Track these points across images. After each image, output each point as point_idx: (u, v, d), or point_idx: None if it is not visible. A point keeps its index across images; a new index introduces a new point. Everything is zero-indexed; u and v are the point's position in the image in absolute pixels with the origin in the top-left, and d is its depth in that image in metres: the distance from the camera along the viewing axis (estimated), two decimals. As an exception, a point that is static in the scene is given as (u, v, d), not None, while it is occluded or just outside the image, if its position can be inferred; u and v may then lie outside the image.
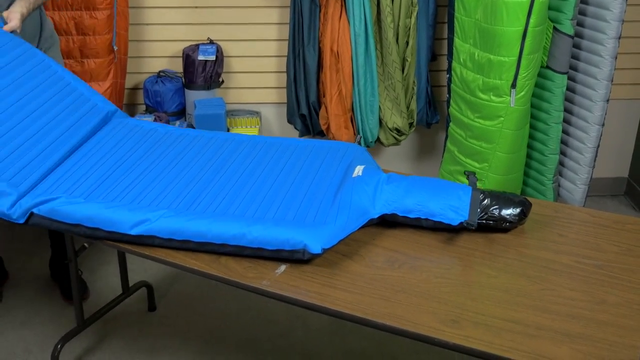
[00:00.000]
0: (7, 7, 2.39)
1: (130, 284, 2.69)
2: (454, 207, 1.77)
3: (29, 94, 2.17)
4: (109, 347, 2.55)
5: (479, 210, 1.78)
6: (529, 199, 1.87)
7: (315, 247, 1.65)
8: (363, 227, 1.81)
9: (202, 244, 1.73)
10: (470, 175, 1.92)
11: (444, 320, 1.48)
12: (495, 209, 1.79)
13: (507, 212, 1.79)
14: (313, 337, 2.62)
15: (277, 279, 1.64)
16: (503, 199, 1.81)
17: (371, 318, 1.51)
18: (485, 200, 1.80)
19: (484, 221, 1.78)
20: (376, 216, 1.82)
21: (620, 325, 1.46)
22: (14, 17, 2.32)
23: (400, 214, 1.81)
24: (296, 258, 1.67)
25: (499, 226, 1.79)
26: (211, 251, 1.73)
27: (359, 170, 1.94)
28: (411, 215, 1.80)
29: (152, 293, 2.75)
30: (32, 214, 1.83)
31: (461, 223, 1.76)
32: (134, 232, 1.75)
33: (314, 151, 2.15)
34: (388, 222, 1.86)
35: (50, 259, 2.92)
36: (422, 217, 1.79)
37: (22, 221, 1.84)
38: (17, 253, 3.12)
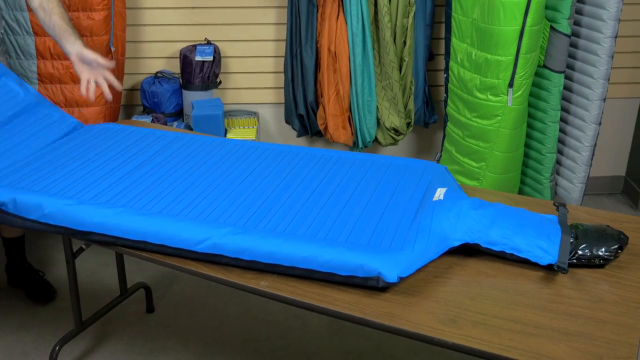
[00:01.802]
0: None
1: (128, 286, 2.69)
2: (543, 248, 1.66)
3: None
4: (107, 349, 2.54)
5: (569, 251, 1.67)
6: (624, 233, 1.72)
7: (391, 276, 1.55)
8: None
9: (271, 266, 1.65)
10: (560, 207, 1.81)
11: (442, 319, 1.48)
12: (586, 247, 1.66)
13: (600, 251, 1.66)
14: (312, 337, 2.61)
15: (275, 279, 1.64)
16: (595, 236, 1.68)
17: (370, 318, 1.51)
18: (576, 241, 1.67)
19: (574, 261, 1.65)
20: (457, 244, 1.71)
21: (618, 323, 1.46)
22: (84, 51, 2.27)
23: (484, 245, 1.70)
24: (370, 285, 1.58)
25: (591, 264, 1.67)
26: (279, 272, 1.66)
27: (440, 193, 1.84)
28: (495, 248, 1.69)
29: (150, 294, 2.75)
30: (93, 232, 1.76)
31: (551, 264, 1.64)
32: (199, 248, 1.68)
33: (390, 169, 2.04)
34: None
35: (7, 265, 2.87)
36: (507, 251, 1.68)
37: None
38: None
